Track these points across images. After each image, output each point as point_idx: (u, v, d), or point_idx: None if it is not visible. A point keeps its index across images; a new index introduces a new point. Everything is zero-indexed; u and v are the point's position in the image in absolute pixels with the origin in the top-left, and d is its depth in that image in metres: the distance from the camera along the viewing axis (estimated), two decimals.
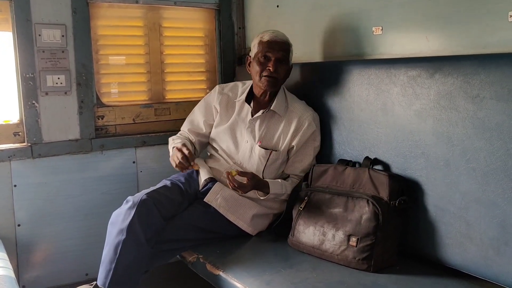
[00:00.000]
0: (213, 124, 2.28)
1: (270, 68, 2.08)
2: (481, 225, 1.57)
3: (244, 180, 1.97)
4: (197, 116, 2.32)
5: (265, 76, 2.09)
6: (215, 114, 2.28)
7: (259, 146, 2.14)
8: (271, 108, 2.14)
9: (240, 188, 1.96)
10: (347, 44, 2.20)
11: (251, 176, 1.98)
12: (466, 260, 1.63)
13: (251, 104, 2.20)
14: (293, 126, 2.13)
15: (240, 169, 2.08)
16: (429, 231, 1.73)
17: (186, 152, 2.03)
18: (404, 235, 1.82)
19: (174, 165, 2.07)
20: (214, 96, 2.28)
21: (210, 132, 2.29)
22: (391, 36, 2.01)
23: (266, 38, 2.13)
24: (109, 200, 2.41)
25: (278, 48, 2.09)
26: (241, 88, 2.28)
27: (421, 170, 1.76)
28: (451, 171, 1.65)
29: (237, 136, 2.21)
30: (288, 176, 2.18)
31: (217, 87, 2.31)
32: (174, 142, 2.22)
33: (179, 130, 2.43)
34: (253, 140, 2.16)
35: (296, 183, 2.12)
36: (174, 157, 2.06)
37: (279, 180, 2.12)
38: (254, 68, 2.13)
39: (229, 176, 1.95)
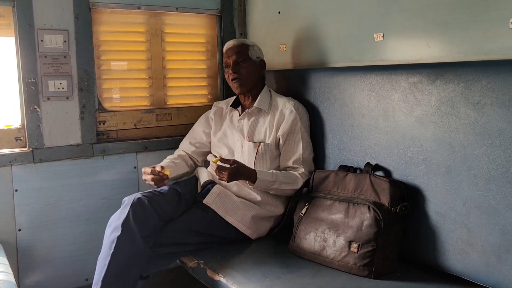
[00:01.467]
0: (210, 132, 2.38)
1: (231, 72, 2.24)
2: (483, 231, 1.57)
3: (226, 166, 2.00)
4: (196, 128, 2.44)
5: (231, 80, 2.25)
6: (211, 123, 2.39)
7: (247, 141, 2.20)
8: (255, 105, 2.23)
9: (221, 172, 1.97)
10: (348, 50, 2.21)
11: (233, 162, 2.01)
12: (467, 266, 1.63)
13: (239, 108, 2.31)
14: (277, 117, 2.19)
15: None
16: (430, 237, 1.73)
17: (149, 171, 2.10)
18: (405, 242, 1.81)
19: (151, 183, 2.11)
20: (210, 110, 2.44)
21: (210, 142, 2.38)
22: (392, 43, 2.01)
23: (223, 51, 2.33)
24: (110, 205, 2.40)
25: (232, 53, 2.26)
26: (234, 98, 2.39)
27: (422, 176, 1.76)
28: (452, 177, 1.65)
29: (230, 140, 2.29)
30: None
31: (214, 103, 2.48)
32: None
33: (181, 135, 2.48)
34: (242, 138, 2.23)
35: (293, 175, 2.11)
36: (148, 182, 2.11)
37: (271, 170, 2.14)
38: (226, 78, 2.32)
39: (212, 163, 2.00)
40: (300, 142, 2.15)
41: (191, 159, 2.37)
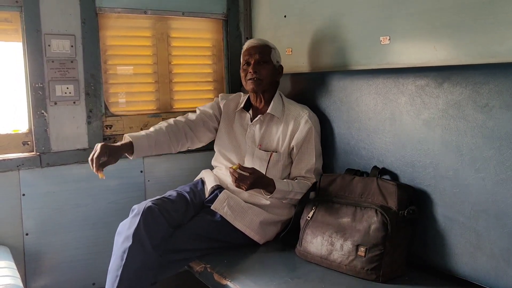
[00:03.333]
0: (219, 117, 2.34)
1: (251, 71, 2.19)
2: (491, 235, 1.56)
3: (246, 174, 1.97)
4: (206, 109, 2.36)
5: (248, 79, 2.21)
6: (218, 112, 2.35)
7: (259, 149, 2.18)
8: (268, 111, 2.20)
9: (241, 181, 1.95)
10: (354, 53, 2.21)
11: (253, 171, 1.99)
12: (476, 270, 1.62)
13: (250, 111, 2.28)
14: (291, 126, 2.16)
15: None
16: (438, 241, 1.72)
17: (95, 155, 1.92)
18: (413, 245, 1.80)
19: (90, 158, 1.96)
20: (218, 100, 2.39)
21: (215, 128, 2.33)
22: (399, 46, 2.01)
23: (245, 47, 2.28)
24: (116, 209, 2.41)
25: (255, 52, 2.21)
26: (242, 97, 2.37)
27: (429, 179, 1.75)
28: (460, 180, 1.64)
29: (240, 144, 2.26)
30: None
31: (220, 94, 2.42)
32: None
33: None
34: (253, 144, 2.21)
35: (306, 185, 2.10)
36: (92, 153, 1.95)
37: (285, 179, 2.13)
38: (242, 76, 2.27)
39: (231, 170, 1.97)
40: (314, 152, 2.14)
41: (185, 133, 2.25)
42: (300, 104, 2.25)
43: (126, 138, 2.09)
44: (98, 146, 1.96)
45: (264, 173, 2.11)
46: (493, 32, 1.66)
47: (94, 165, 1.94)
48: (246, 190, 1.98)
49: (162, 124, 2.22)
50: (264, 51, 2.22)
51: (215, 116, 2.34)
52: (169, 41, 2.67)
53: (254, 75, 2.18)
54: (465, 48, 1.77)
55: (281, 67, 2.30)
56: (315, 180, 2.12)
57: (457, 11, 1.77)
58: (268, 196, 2.05)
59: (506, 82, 1.53)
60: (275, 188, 2.02)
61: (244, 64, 2.25)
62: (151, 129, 2.19)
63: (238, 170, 1.96)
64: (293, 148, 2.15)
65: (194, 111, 2.38)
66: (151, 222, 1.89)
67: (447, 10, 1.80)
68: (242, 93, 2.41)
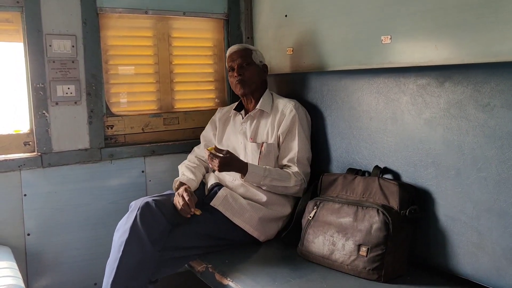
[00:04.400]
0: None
1: (236, 75, 2.28)
2: (493, 234, 1.56)
3: (220, 155, 2.04)
4: (207, 133, 2.46)
5: (236, 83, 2.28)
6: (216, 129, 2.43)
7: (250, 142, 2.23)
8: (257, 107, 2.27)
9: (213, 160, 2.01)
10: (355, 53, 2.20)
11: (226, 152, 2.05)
12: (478, 270, 1.61)
13: (242, 112, 2.35)
14: (278, 117, 2.22)
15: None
16: (440, 240, 1.72)
17: (186, 198, 2.01)
18: (414, 245, 1.80)
19: (178, 208, 2.03)
20: (216, 115, 2.47)
21: None
22: (400, 45, 2.00)
23: (226, 55, 2.37)
24: (118, 210, 2.40)
25: (236, 57, 2.30)
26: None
27: (431, 179, 1.75)
28: (462, 180, 1.64)
29: (234, 143, 2.32)
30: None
31: (218, 109, 2.51)
32: (181, 170, 2.29)
33: (188, 139, 2.50)
34: (245, 140, 2.26)
35: (285, 173, 2.12)
36: (176, 202, 2.04)
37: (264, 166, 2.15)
38: (230, 82, 2.35)
39: (206, 151, 2.05)
40: (296, 141, 2.16)
41: (204, 167, 2.37)
42: (289, 98, 2.29)
43: (182, 181, 2.19)
44: (181, 195, 2.03)
45: (257, 164, 2.15)
46: (495, 31, 1.66)
47: (191, 208, 2.01)
48: (219, 171, 2.04)
49: (193, 167, 2.31)
50: (245, 54, 2.29)
51: (215, 135, 2.42)
52: (170, 41, 2.67)
53: (239, 78, 2.25)
54: (466, 47, 1.76)
55: (265, 66, 2.36)
56: (297, 169, 2.14)
57: (459, 10, 1.76)
58: (243, 180, 2.08)
59: (507, 81, 1.52)
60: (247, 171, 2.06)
61: (229, 71, 2.34)
62: (188, 173, 2.26)
63: (212, 151, 2.03)
64: (280, 137, 2.19)
65: (199, 142, 2.47)
66: (148, 217, 1.92)
67: (449, 9, 1.80)
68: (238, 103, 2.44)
